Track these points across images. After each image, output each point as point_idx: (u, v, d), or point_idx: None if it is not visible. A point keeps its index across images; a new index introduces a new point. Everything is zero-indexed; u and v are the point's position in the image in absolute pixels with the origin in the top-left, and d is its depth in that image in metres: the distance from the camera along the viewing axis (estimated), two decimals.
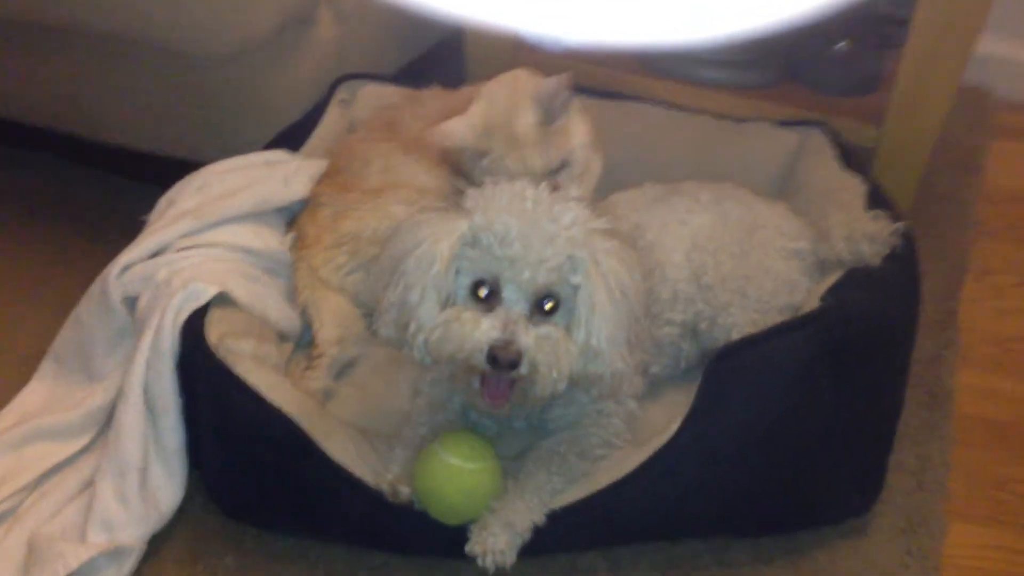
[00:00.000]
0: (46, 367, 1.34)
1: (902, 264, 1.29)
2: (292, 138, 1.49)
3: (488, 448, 1.10)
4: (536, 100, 1.27)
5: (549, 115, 1.27)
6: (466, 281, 1.03)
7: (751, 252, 1.33)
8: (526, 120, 1.27)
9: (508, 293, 1.02)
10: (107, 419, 1.26)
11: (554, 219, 1.02)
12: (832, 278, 1.29)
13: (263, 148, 1.47)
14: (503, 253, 1.00)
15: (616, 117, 1.62)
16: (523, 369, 1.00)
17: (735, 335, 1.29)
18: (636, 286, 1.06)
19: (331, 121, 1.54)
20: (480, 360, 1.00)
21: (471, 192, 1.07)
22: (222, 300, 1.19)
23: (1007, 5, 1.97)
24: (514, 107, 1.29)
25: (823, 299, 1.21)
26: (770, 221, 1.38)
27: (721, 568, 1.17)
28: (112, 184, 1.79)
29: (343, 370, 1.32)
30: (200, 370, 1.12)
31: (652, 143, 1.64)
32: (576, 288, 1.03)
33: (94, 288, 1.29)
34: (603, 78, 1.75)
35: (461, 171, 1.40)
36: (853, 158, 1.53)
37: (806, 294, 1.33)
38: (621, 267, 1.05)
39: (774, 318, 1.31)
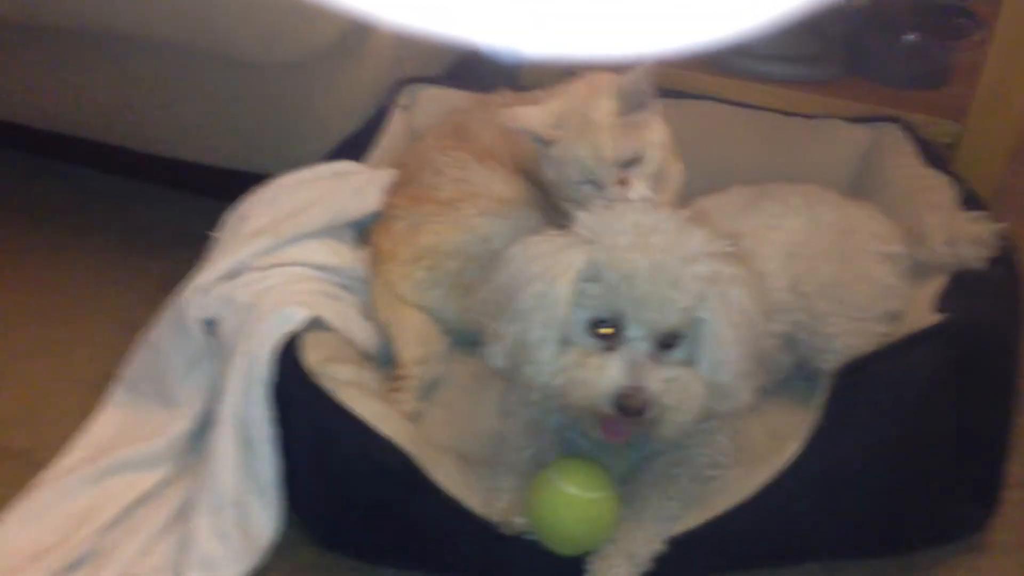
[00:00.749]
0: (118, 394, 1.29)
1: (1006, 267, 1.25)
2: (355, 147, 1.43)
3: (606, 476, 1.05)
4: (616, 90, 1.21)
5: (627, 105, 1.21)
6: (584, 316, 0.97)
7: (847, 258, 1.29)
8: (602, 107, 1.20)
9: (632, 332, 0.96)
10: (189, 447, 1.21)
11: (680, 253, 0.96)
12: (934, 284, 1.25)
13: (326, 158, 1.41)
14: (628, 294, 0.95)
15: (683, 116, 1.54)
16: (650, 414, 0.95)
17: (837, 345, 1.25)
18: (759, 312, 1.01)
19: (394, 128, 1.48)
20: (606, 406, 0.95)
21: (584, 217, 1.02)
22: (314, 323, 1.14)
23: None
24: (591, 98, 1.23)
25: (941, 309, 1.17)
26: (862, 224, 1.33)
27: None
28: (167, 198, 1.75)
29: (427, 390, 1.27)
30: (297, 398, 1.07)
31: (721, 142, 1.60)
32: (701, 320, 0.98)
33: (169, 312, 1.24)
34: (665, 76, 1.69)
35: (535, 178, 1.34)
36: (933, 151, 1.49)
37: (904, 300, 1.29)
38: (746, 295, 0.99)
39: (873, 327, 1.26)
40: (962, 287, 1.22)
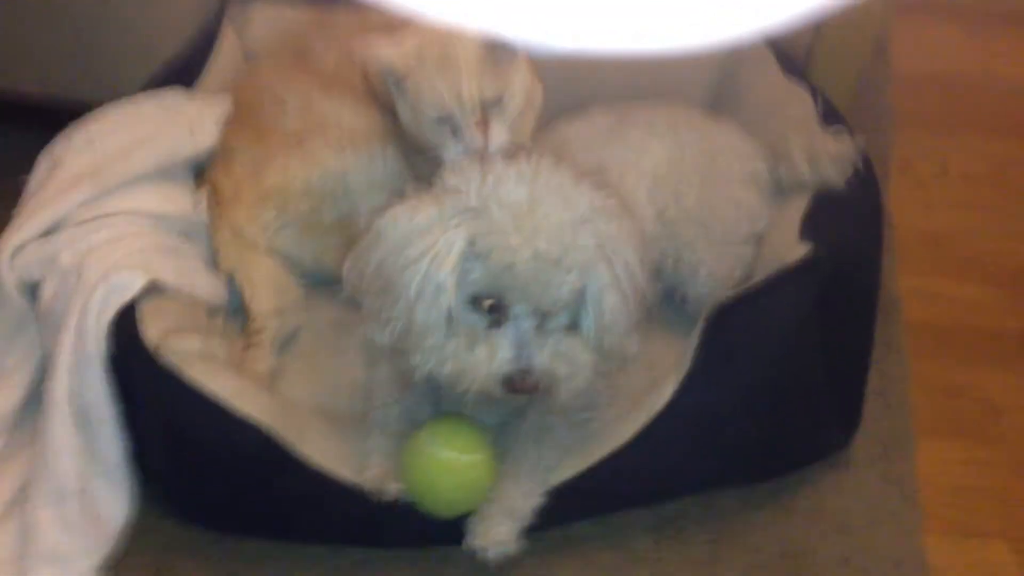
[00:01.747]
0: None
1: (865, 185, 1.25)
2: (182, 73, 1.29)
3: (482, 435, 1.01)
4: (484, 36, 1.11)
5: (494, 53, 1.12)
6: (466, 292, 0.92)
7: (712, 182, 1.27)
8: (468, 48, 1.11)
9: (516, 309, 0.91)
10: (20, 420, 1.11)
11: (564, 231, 0.90)
12: (796, 203, 1.24)
13: (149, 85, 1.27)
14: (511, 280, 0.90)
15: None
16: (541, 388, 0.92)
17: (702, 272, 1.24)
18: (641, 264, 0.97)
19: (226, 51, 1.35)
20: (497, 389, 0.92)
21: (455, 176, 0.95)
22: (152, 288, 1.03)
23: None
24: (456, 36, 1.13)
25: (805, 236, 1.16)
26: (726, 145, 1.31)
27: (713, 519, 1.14)
28: None
29: (285, 342, 1.19)
30: (141, 376, 0.98)
31: (579, 57, 1.52)
32: (585, 288, 0.94)
33: None
34: None
35: (389, 107, 1.24)
36: (792, 62, 1.47)
37: (766, 221, 1.28)
38: (631, 253, 0.95)
39: (738, 250, 1.27)
40: (824, 210, 1.21)
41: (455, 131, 1.13)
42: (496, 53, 1.12)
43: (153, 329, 0.99)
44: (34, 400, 1.11)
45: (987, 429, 1.30)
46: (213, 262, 1.21)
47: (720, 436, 1.08)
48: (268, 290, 1.19)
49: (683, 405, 1.03)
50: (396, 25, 1.26)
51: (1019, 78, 2.02)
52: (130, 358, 0.98)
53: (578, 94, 1.44)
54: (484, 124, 1.12)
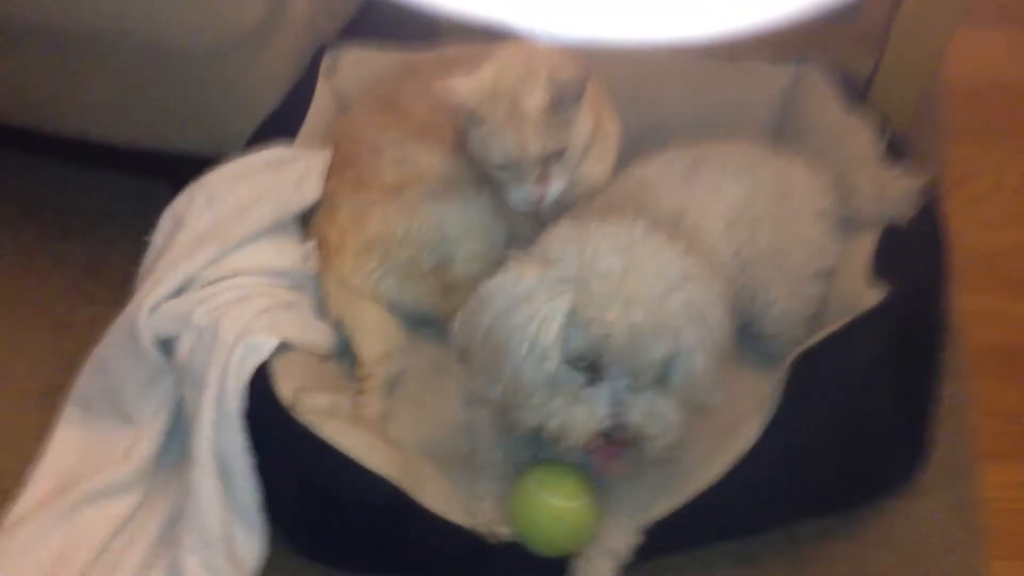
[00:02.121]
0: (71, 412, 1.26)
1: (929, 219, 1.32)
2: (283, 126, 1.37)
3: (583, 482, 1.10)
4: (550, 82, 1.19)
5: (559, 102, 1.20)
6: (567, 355, 1.00)
7: (784, 221, 1.34)
8: (535, 99, 1.19)
9: (611, 372, 1.00)
10: (155, 468, 1.21)
11: (657, 301, 0.98)
12: (863, 240, 1.32)
13: (252, 136, 1.36)
14: (607, 347, 0.98)
15: (613, 60, 1.55)
16: (635, 442, 1.02)
17: (776, 310, 1.32)
18: (726, 320, 1.05)
19: (321, 100, 1.43)
20: (594, 441, 1.01)
21: (557, 247, 1.03)
22: (280, 347, 1.12)
23: None
24: (526, 80, 1.20)
25: (877, 275, 1.23)
26: (797, 184, 1.38)
27: (792, 550, 1.23)
28: (74, 175, 1.65)
29: (391, 386, 1.28)
30: (276, 431, 1.08)
31: (643, 83, 1.59)
32: (677, 349, 1.02)
33: (118, 330, 1.21)
34: None
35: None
36: (852, 92, 1.53)
37: (835, 256, 1.36)
38: (715, 312, 1.04)
39: (809, 287, 1.34)
40: (892, 249, 1.29)
41: (517, 178, 1.21)
42: (561, 104, 1.20)
43: (286, 387, 1.10)
44: (170, 446, 1.22)
45: None
46: (321, 310, 1.30)
47: (801, 473, 1.16)
48: (375, 336, 1.28)
49: (767, 446, 1.12)
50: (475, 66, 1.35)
51: None
52: (267, 415, 1.08)
53: (647, 123, 1.52)
54: (545, 176, 1.21)
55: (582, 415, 1.00)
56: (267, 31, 1.32)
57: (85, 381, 1.26)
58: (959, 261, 1.64)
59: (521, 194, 1.23)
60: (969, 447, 1.36)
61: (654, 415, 1.01)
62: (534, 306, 1.00)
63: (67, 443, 1.25)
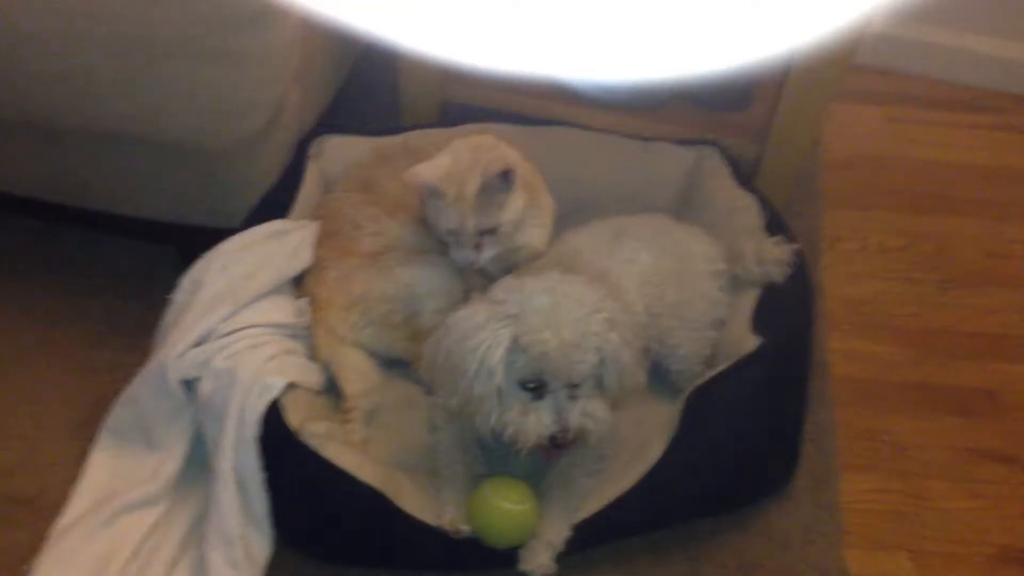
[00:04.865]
0: (105, 440, 1.52)
1: (800, 279, 1.66)
2: (279, 202, 1.66)
3: (529, 489, 1.41)
4: (483, 174, 1.52)
5: (490, 190, 1.53)
6: (514, 378, 1.32)
7: (686, 280, 1.66)
8: (472, 186, 1.52)
9: (552, 385, 1.31)
10: (178, 482, 1.48)
11: (580, 324, 1.30)
12: (748, 296, 1.65)
13: (252, 211, 1.65)
14: (545, 365, 1.29)
15: (542, 141, 1.88)
16: (578, 440, 1.33)
17: (680, 352, 1.64)
18: (633, 328, 1.40)
19: (310, 181, 1.72)
20: (543, 443, 1.32)
21: (502, 294, 1.34)
22: (288, 386, 1.41)
23: None
24: (469, 170, 1.54)
25: (757, 323, 1.57)
26: (695, 249, 1.70)
27: (693, 542, 1.53)
28: (91, 237, 1.91)
29: (370, 416, 1.57)
30: (288, 454, 1.36)
31: (574, 163, 1.91)
32: (604, 356, 1.34)
33: (150, 372, 1.47)
34: (525, 105, 2.00)
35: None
36: (742, 172, 1.87)
37: (726, 308, 1.69)
38: (626, 318, 1.38)
39: (706, 334, 1.66)
40: (770, 302, 1.62)
41: (459, 244, 1.57)
42: (492, 191, 1.53)
43: (294, 418, 1.38)
44: (189, 466, 1.50)
45: (894, 464, 1.70)
46: (312, 354, 1.59)
47: (698, 481, 1.48)
48: (357, 376, 1.57)
49: (671, 460, 1.43)
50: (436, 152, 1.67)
51: (927, 158, 2.44)
52: (279, 441, 1.36)
53: (574, 197, 1.85)
54: (479, 244, 1.57)
55: (532, 423, 1.31)
56: (268, 131, 1.60)
57: (118, 414, 1.52)
58: (831, 307, 2.00)
59: (460, 256, 1.57)
60: (833, 461, 1.69)
61: (589, 415, 1.32)
62: (483, 334, 1.31)
63: (102, 466, 1.50)
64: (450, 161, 1.56)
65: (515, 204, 1.59)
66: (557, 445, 1.33)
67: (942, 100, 2.64)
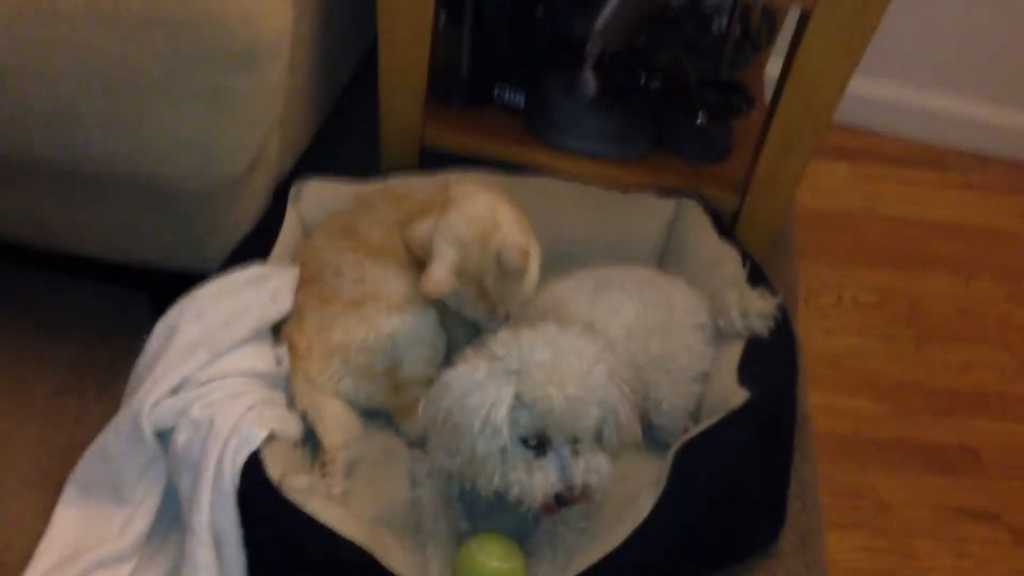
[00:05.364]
0: (71, 494, 1.45)
1: (784, 332, 1.65)
2: (257, 247, 1.61)
3: (516, 546, 1.37)
4: (501, 261, 1.50)
5: (506, 275, 1.51)
6: (517, 434, 1.28)
7: (670, 332, 1.64)
8: (492, 277, 1.51)
9: (556, 441, 1.28)
10: (148, 539, 1.42)
11: (585, 379, 1.27)
12: (732, 348, 1.64)
13: (230, 256, 1.60)
14: (549, 420, 1.26)
15: (524, 191, 1.86)
16: (584, 496, 1.30)
17: (665, 405, 1.62)
18: (631, 381, 1.37)
19: (289, 226, 1.68)
20: (548, 502, 1.29)
21: (500, 348, 1.31)
22: (267, 438, 1.36)
23: None
24: (483, 264, 1.51)
25: (743, 376, 1.55)
26: (679, 301, 1.69)
27: None
28: (52, 279, 1.85)
29: (350, 469, 1.52)
30: (268, 508, 1.30)
31: (555, 213, 1.90)
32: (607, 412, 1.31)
33: (122, 422, 1.41)
34: (504, 152, 1.99)
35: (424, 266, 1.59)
36: (723, 224, 1.87)
37: (710, 361, 1.67)
38: (623, 369, 1.36)
39: (691, 387, 1.64)
40: (755, 355, 1.60)
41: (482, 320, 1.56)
42: (514, 276, 1.51)
43: (274, 471, 1.33)
44: (160, 521, 1.43)
45: (878, 522, 1.69)
46: (289, 403, 1.54)
47: (686, 539, 1.45)
48: (336, 427, 1.52)
49: (659, 518, 1.39)
50: (427, 207, 1.64)
51: (897, 214, 2.47)
52: (259, 495, 1.31)
53: (557, 246, 1.82)
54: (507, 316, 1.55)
55: (538, 482, 1.27)
56: (248, 174, 1.56)
57: (85, 466, 1.45)
58: (809, 363, 2.00)
59: (483, 321, 1.56)
60: (818, 518, 1.67)
61: (593, 470, 1.29)
62: (486, 392, 1.28)
63: (68, 521, 1.43)
64: (457, 255, 1.51)
65: (533, 274, 1.57)
66: (562, 503, 1.29)
67: (908, 158, 2.69)
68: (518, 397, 1.27)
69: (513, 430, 1.28)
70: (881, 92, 2.70)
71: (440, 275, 1.47)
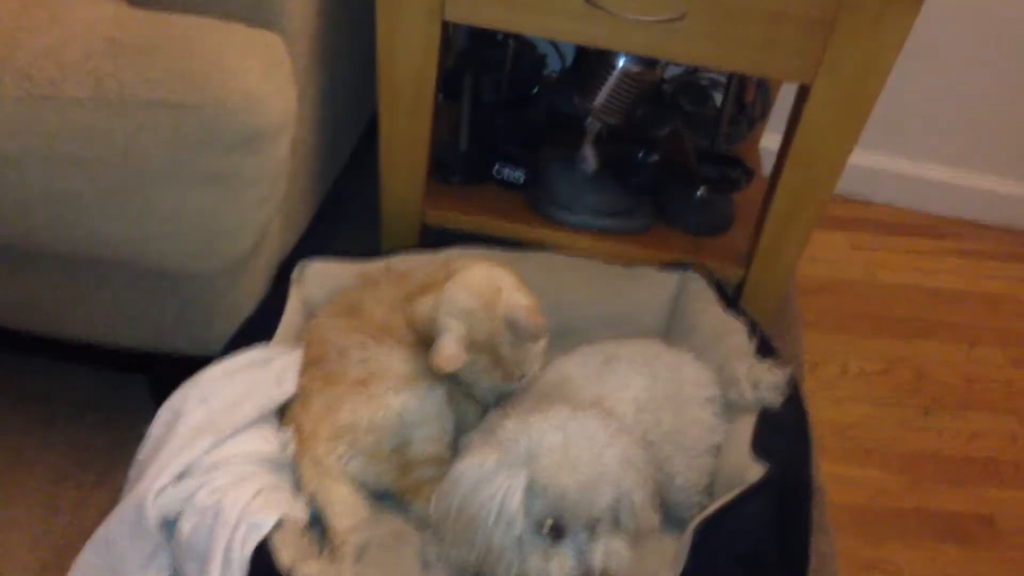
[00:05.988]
0: None
1: (795, 403, 1.63)
2: (260, 329, 1.59)
3: None
4: (513, 324, 1.49)
5: (519, 337, 1.50)
6: (531, 521, 1.25)
7: (680, 406, 1.62)
8: (505, 344, 1.49)
9: (572, 526, 1.25)
10: None
11: (596, 460, 1.25)
12: (744, 421, 1.61)
13: (232, 338, 1.58)
14: (563, 505, 1.24)
15: (527, 266, 1.84)
16: None
17: (678, 481, 1.58)
18: (648, 465, 1.34)
19: (292, 306, 1.66)
20: None
21: (508, 435, 1.29)
22: (277, 524, 1.32)
23: None
24: (494, 331, 1.50)
25: (758, 450, 1.52)
26: (688, 374, 1.67)
27: None
28: (47, 365, 1.82)
29: (360, 553, 1.48)
30: None
31: (558, 289, 1.89)
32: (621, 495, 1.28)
33: (125, 511, 1.36)
34: (504, 229, 1.99)
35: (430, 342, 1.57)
36: (728, 295, 1.87)
37: (721, 434, 1.65)
38: (638, 452, 1.33)
39: (703, 461, 1.61)
40: (767, 427, 1.58)
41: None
42: (524, 340, 1.50)
43: (285, 558, 1.29)
44: None
45: None
46: (294, 488, 1.50)
47: None
48: (345, 510, 1.48)
49: None
50: (428, 284, 1.63)
51: (896, 283, 2.47)
52: None
53: (559, 321, 1.81)
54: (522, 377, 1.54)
55: (555, 569, 1.24)
56: (252, 255, 1.55)
57: (87, 557, 1.40)
58: (818, 432, 1.98)
59: (495, 388, 1.54)
60: None
61: (612, 554, 1.26)
62: (497, 483, 1.25)
63: None
64: (464, 326, 1.50)
65: (541, 344, 1.57)
66: None
67: (904, 226, 2.71)
68: (530, 485, 1.25)
69: (527, 518, 1.25)
70: (874, 162, 2.73)
71: (450, 349, 1.45)
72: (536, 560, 1.25)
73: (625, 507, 1.29)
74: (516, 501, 1.24)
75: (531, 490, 1.25)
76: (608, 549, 1.27)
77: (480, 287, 1.52)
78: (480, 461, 1.29)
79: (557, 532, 1.26)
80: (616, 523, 1.30)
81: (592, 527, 1.27)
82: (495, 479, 1.26)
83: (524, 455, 1.26)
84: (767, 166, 2.18)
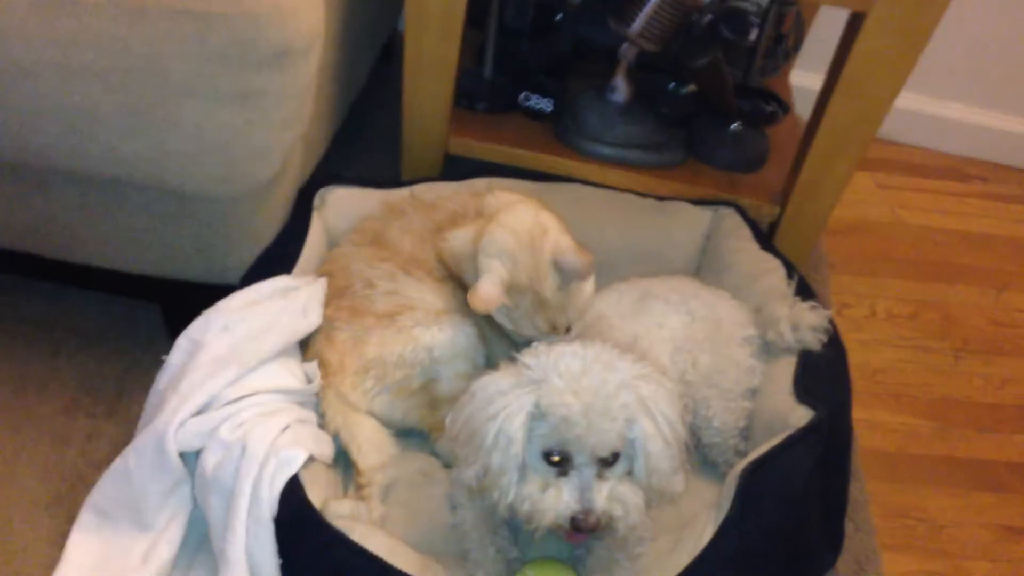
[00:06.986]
0: (88, 519, 1.34)
1: (836, 347, 1.57)
2: (281, 257, 1.52)
3: (573, 573, 1.27)
4: (557, 266, 1.41)
5: (566, 279, 1.42)
6: (537, 448, 1.19)
7: (718, 346, 1.57)
8: (549, 284, 1.41)
9: (578, 459, 1.18)
10: (172, 570, 1.31)
11: (607, 390, 1.18)
12: (782, 363, 1.56)
13: (252, 267, 1.51)
14: (569, 431, 1.17)
15: (558, 198, 1.77)
16: (601, 525, 1.19)
17: (716, 423, 1.54)
18: (680, 417, 1.26)
19: (314, 234, 1.58)
20: (565, 525, 1.18)
21: (531, 359, 1.22)
22: (306, 461, 1.26)
23: None
24: (538, 272, 1.41)
25: (800, 393, 1.46)
26: (726, 314, 1.61)
27: None
28: (54, 292, 1.74)
29: (386, 492, 1.42)
30: (312, 537, 1.20)
31: (587, 222, 1.81)
32: (634, 439, 1.21)
33: (145, 443, 1.30)
34: (530, 160, 1.90)
35: (462, 283, 1.50)
36: (763, 234, 1.80)
37: (759, 376, 1.59)
38: (668, 407, 1.23)
39: (741, 403, 1.56)
40: (809, 371, 1.52)
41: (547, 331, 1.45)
42: (569, 282, 1.42)
43: (316, 497, 1.23)
44: (185, 550, 1.33)
45: (932, 543, 1.63)
46: (320, 423, 1.43)
47: (749, 568, 1.36)
48: (372, 448, 1.42)
49: (723, 545, 1.31)
50: (458, 216, 1.55)
51: (923, 225, 2.41)
52: (298, 522, 1.21)
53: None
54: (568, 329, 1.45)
55: (551, 500, 1.17)
56: (276, 179, 1.47)
57: (104, 489, 1.34)
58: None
59: (536, 335, 1.44)
60: (871, 541, 1.59)
61: (617, 499, 1.19)
62: (505, 400, 1.19)
63: (85, 549, 1.32)
64: (506, 268, 1.41)
65: (587, 286, 1.48)
66: (579, 529, 1.18)
67: (929, 167, 2.64)
68: (537, 405, 1.18)
69: (532, 443, 1.19)
70: (901, 103, 2.64)
71: (489, 290, 1.37)
72: (532, 488, 1.18)
73: (640, 454, 1.22)
74: (518, 421, 1.17)
75: (537, 413, 1.18)
76: (615, 492, 1.20)
77: (526, 227, 1.44)
78: (495, 380, 1.23)
79: (563, 466, 1.20)
80: (630, 472, 1.24)
81: (603, 467, 1.20)
82: (503, 398, 1.20)
83: (537, 378, 1.20)
84: (797, 102, 2.10)
